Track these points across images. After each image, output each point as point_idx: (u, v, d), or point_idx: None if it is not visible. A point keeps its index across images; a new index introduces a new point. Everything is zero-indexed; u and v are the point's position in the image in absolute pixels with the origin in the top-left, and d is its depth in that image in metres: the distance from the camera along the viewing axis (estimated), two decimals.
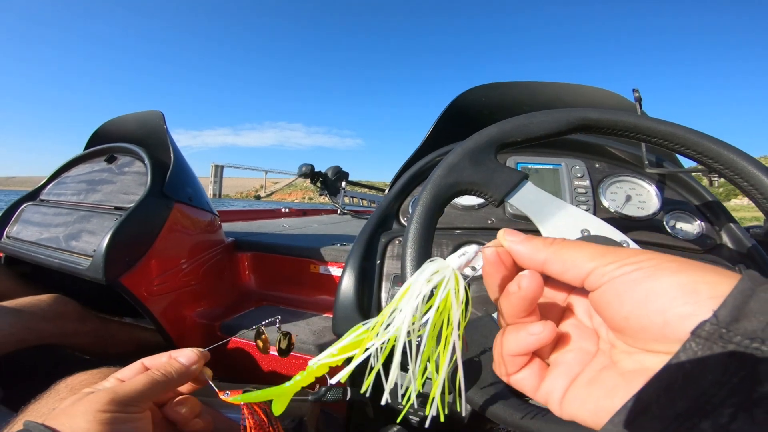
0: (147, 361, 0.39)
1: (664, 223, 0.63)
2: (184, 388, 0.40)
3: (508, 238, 0.24)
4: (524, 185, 0.40)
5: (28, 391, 0.51)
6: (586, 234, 0.40)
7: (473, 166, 0.41)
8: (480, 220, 0.67)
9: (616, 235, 0.40)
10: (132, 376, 0.37)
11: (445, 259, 0.25)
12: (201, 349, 0.40)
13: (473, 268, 0.26)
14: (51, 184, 1.19)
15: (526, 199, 0.40)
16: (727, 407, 0.14)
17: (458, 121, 0.85)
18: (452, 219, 0.67)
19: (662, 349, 0.18)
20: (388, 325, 0.23)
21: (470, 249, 0.26)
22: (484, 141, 0.43)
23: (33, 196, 1.16)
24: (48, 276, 1.04)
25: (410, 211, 0.70)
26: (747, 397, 0.14)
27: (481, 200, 0.69)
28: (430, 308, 0.22)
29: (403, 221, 0.70)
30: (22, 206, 1.13)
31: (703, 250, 0.60)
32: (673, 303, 0.17)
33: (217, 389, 0.38)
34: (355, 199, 2.77)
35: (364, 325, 0.25)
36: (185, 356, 0.39)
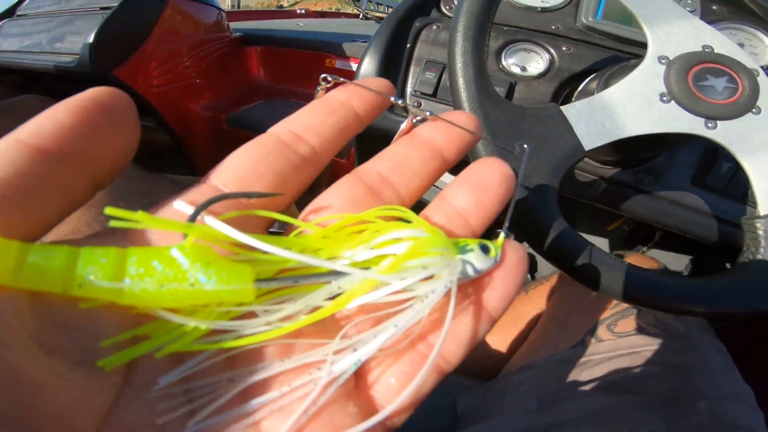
0: None
1: None
2: None
3: None
4: None
5: None
6: (708, 50, 0.32)
7: None
8: (542, 24, 0.54)
9: (747, 60, 0.32)
10: None
11: None
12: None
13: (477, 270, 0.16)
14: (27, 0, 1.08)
15: None
16: None
17: None
18: (506, 18, 0.55)
19: None
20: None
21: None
22: None
23: (9, 13, 1.07)
24: (41, 85, 1.02)
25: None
26: None
27: (545, 3, 0.55)
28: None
29: (444, 10, 0.59)
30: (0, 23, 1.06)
31: None
32: None
33: None
34: (381, 6, 2.44)
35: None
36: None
